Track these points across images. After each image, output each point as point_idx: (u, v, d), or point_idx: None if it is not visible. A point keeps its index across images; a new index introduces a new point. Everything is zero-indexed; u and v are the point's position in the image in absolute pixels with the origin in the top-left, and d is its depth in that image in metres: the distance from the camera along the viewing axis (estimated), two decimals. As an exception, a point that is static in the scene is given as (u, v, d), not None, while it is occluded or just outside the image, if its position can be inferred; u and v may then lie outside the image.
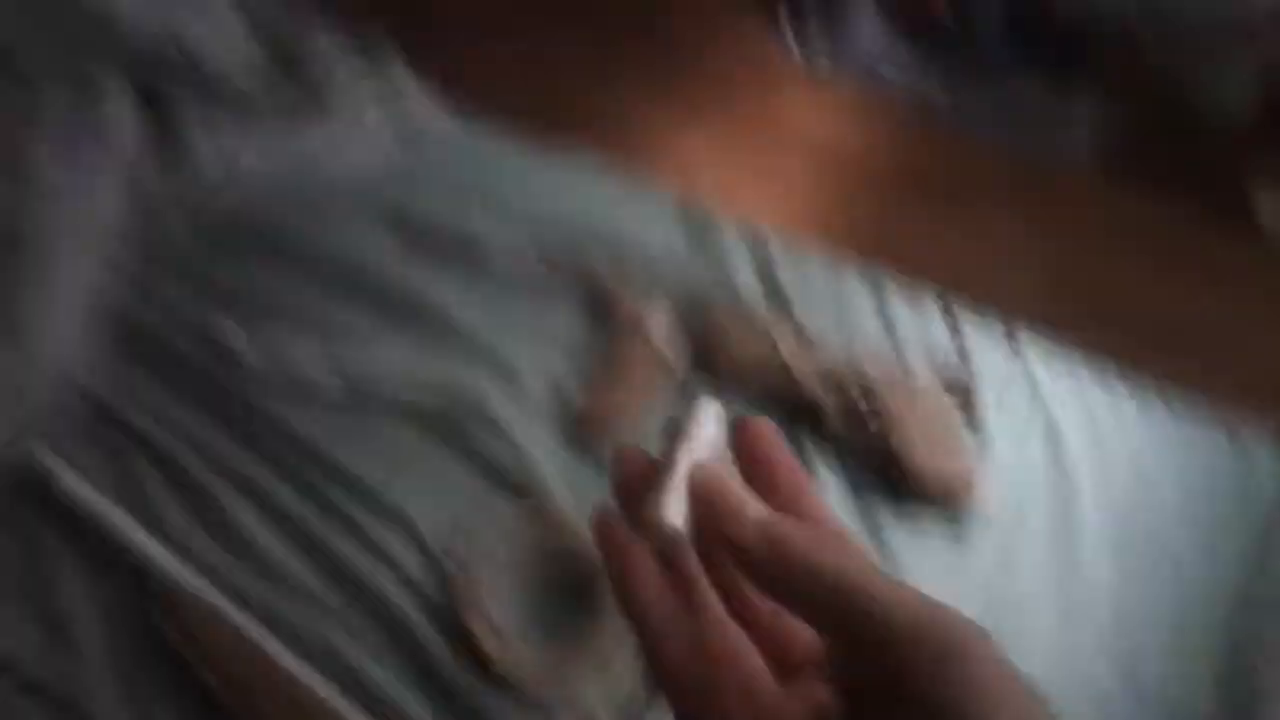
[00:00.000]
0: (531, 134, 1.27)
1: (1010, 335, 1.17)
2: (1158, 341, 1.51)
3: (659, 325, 1.09)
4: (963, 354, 1.14)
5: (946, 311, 1.18)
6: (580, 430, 1.03)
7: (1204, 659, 0.95)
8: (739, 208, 1.33)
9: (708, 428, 0.51)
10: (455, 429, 1.01)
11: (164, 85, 1.15)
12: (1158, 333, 1.61)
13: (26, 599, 0.88)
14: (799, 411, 1.05)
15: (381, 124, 1.19)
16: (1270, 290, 1.77)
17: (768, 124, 2.13)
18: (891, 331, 1.15)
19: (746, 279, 1.17)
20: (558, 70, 2.02)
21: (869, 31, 2.22)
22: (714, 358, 1.07)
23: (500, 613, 0.90)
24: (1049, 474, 1.06)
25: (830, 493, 1.02)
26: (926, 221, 2.02)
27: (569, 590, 0.93)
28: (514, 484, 0.99)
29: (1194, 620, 0.98)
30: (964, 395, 1.07)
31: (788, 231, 1.30)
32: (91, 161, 1.06)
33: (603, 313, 1.11)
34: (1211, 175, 2.17)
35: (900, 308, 1.18)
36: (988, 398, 1.10)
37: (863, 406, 1.02)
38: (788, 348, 1.07)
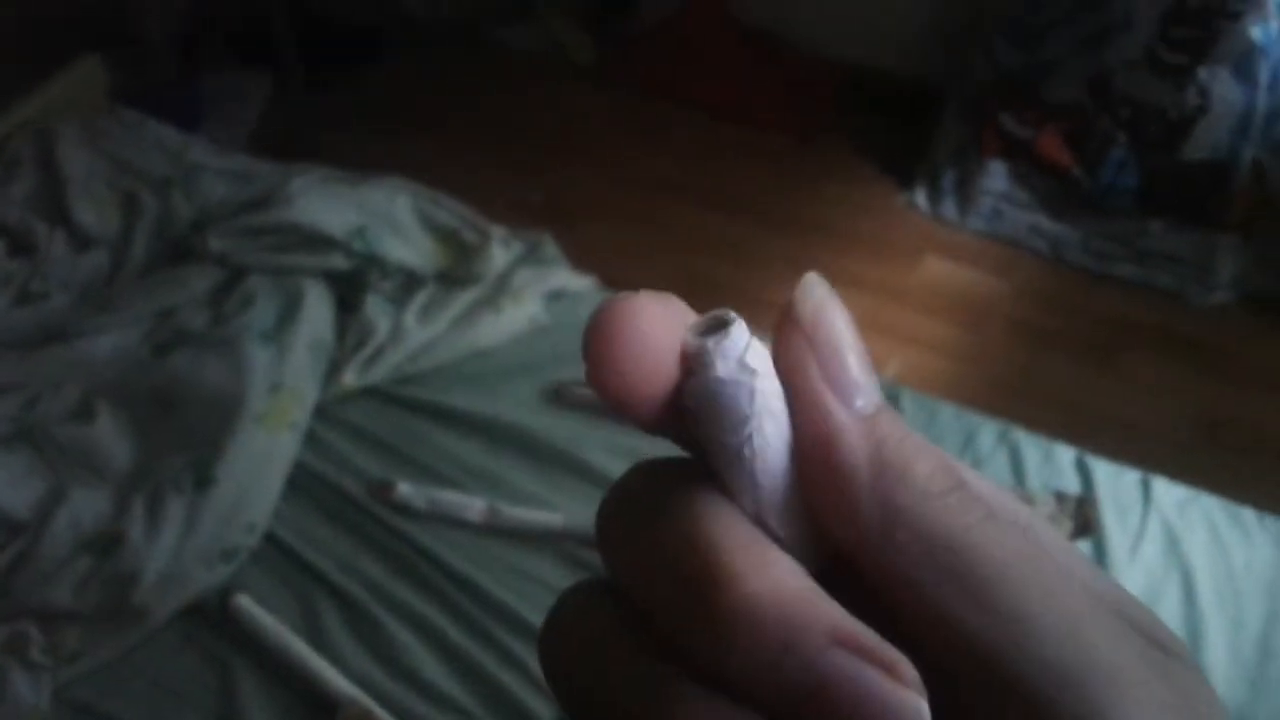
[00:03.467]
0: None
1: (1145, 482, 1.20)
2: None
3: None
4: (1088, 488, 1.18)
5: (1077, 460, 1.22)
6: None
7: None
8: (876, 364, 1.41)
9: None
10: (599, 561, 1.10)
11: (355, 278, 1.33)
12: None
13: (215, 712, 0.99)
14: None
15: (534, 298, 1.33)
16: None
17: (906, 284, 2.22)
18: (1020, 476, 1.20)
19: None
20: (704, 252, 2.17)
21: (1002, 189, 2.31)
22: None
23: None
24: (1180, 604, 1.08)
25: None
26: (1067, 370, 2.06)
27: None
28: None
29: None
30: (1081, 513, 1.10)
31: (923, 383, 1.36)
32: (288, 340, 1.23)
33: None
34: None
35: (1031, 455, 1.23)
36: (1116, 533, 1.13)
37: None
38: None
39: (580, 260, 1.46)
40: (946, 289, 2.25)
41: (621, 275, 1.49)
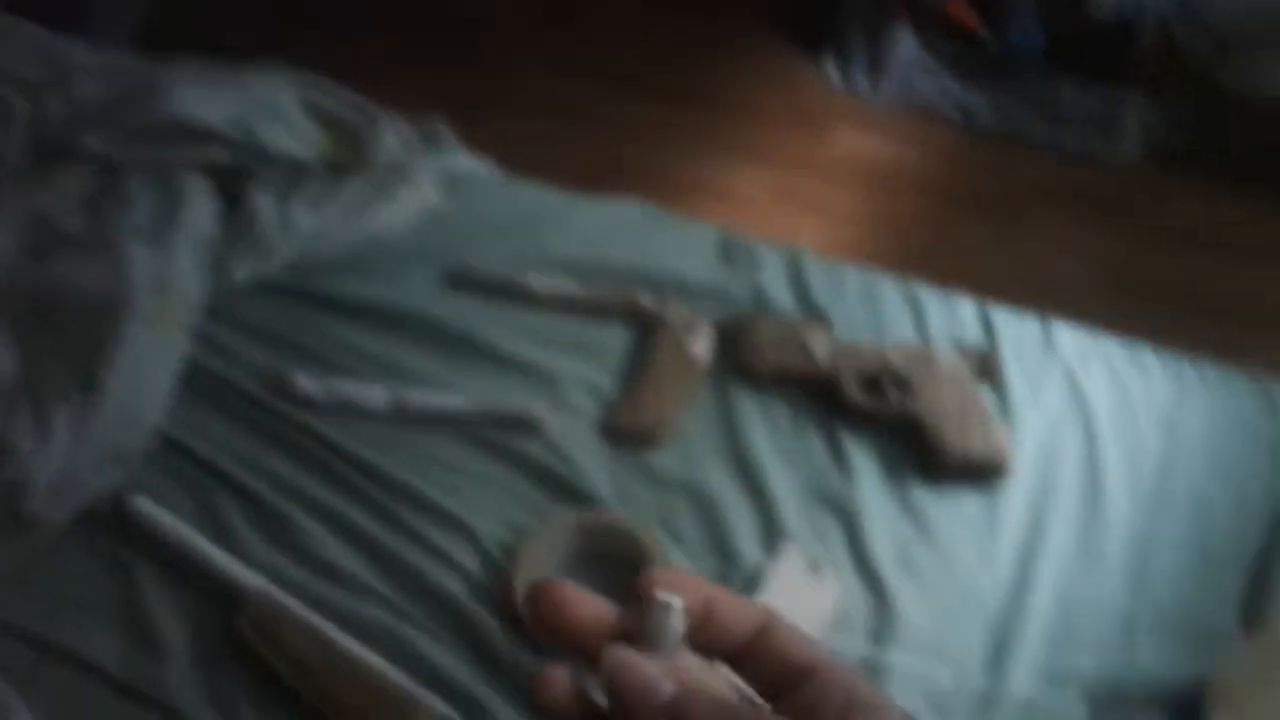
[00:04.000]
0: (581, 189, 1.36)
1: (1046, 329, 1.20)
2: (1202, 317, 1.52)
3: (696, 339, 1.16)
4: (991, 339, 1.18)
5: (979, 311, 1.22)
6: (625, 438, 1.10)
7: (1227, 584, 0.98)
8: (786, 237, 1.40)
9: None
10: (510, 445, 1.09)
11: (238, 171, 1.28)
12: (1203, 311, 1.63)
13: (117, 618, 0.96)
14: (821, 392, 1.12)
15: (430, 184, 1.30)
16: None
17: (816, 156, 2.21)
18: (924, 333, 1.20)
19: (782, 297, 1.23)
20: (609, 132, 2.14)
21: (909, 56, 2.29)
22: (744, 358, 1.14)
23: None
24: (1079, 441, 1.10)
25: (863, 473, 1.07)
26: (976, 232, 2.07)
27: (610, 579, 0.99)
28: (564, 490, 1.06)
29: (1220, 551, 1.02)
30: (982, 362, 1.11)
31: (835, 254, 1.36)
32: (170, 238, 1.19)
33: (644, 333, 1.19)
34: (1261, 161, 2.18)
35: (934, 310, 1.23)
36: (1018, 382, 1.14)
37: (881, 375, 1.08)
38: (813, 340, 1.13)
39: (482, 146, 1.43)
40: (857, 159, 2.24)
41: (526, 160, 1.45)
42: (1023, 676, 0.93)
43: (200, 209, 1.23)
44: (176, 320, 1.13)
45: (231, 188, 1.28)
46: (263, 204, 1.26)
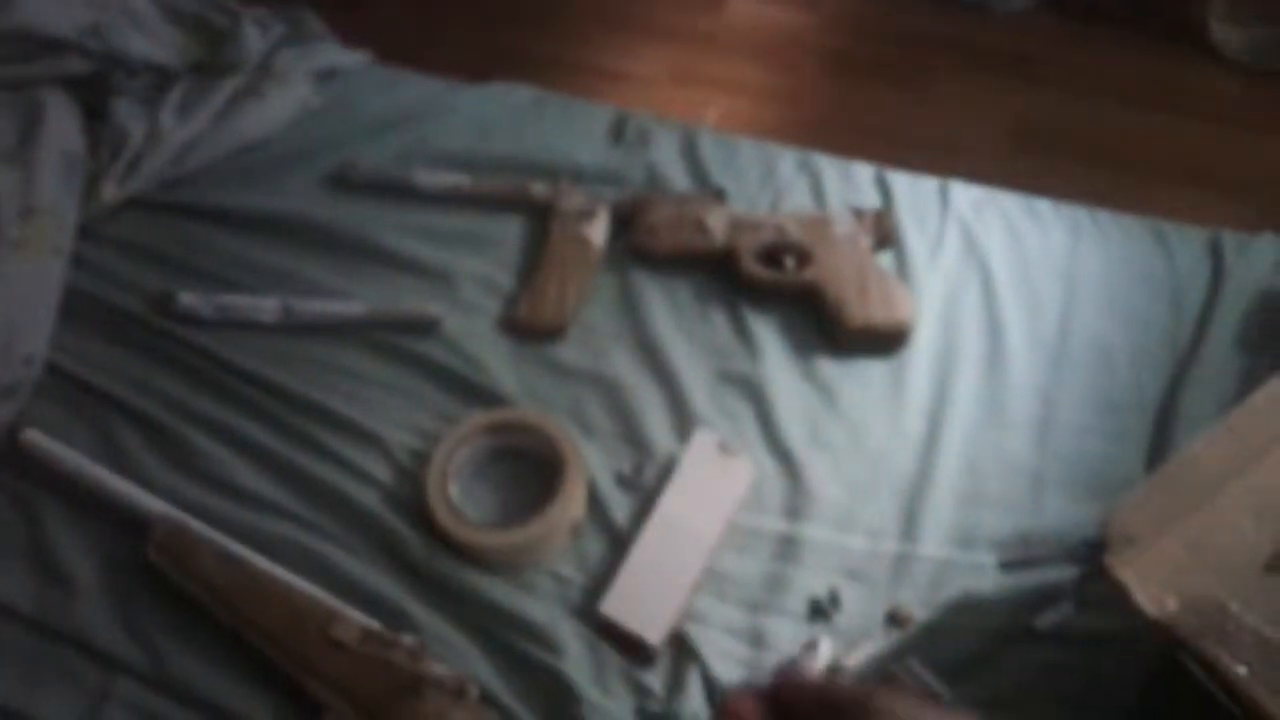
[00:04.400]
0: (466, 79, 1.31)
1: (943, 188, 1.20)
2: (1101, 167, 1.53)
3: (592, 225, 1.13)
4: (888, 202, 1.18)
5: (876, 176, 1.21)
6: (527, 333, 1.08)
7: (1131, 432, 1.00)
8: (688, 115, 1.37)
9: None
10: (410, 348, 1.06)
11: (99, 82, 1.21)
12: (1103, 162, 1.64)
13: (23, 554, 0.94)
14: (720, 268, 1.11)
15: (302, 81, 1.24)
16: (1218, 107, 1.79)
17: (714, 29, 2.16)
18: (821, 201, 1.19)
19: (677, 175, 1.21)
20: (493, 18, 2.06)
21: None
22: (640, 239, 1.12)
23: (461, 500, 0.96)
24: (978, 299, 1.11)
25: (768, 349, 1.07)
26: (877, 97, 2.05)
27: (525, 474, 0.98)
28: (471, 391, 1.04)
29: (1122, 400, 1.03)
30: (879, 225, 1.11)
31: (737, 128, 1.33)
32: (32, 157, 1.12)
33: (539, 223, 1.16)
34: (1160, 6, 2.18)
35: (831, 177, 1.22)
36: (916, 243, 1.14)
37: (779, 247, 1.08)
38: (710, 216, 1.11)
39: (356, 39, 1.36)
40: (754, 29, 2.20)
41: (405, 51, 1.39)
42: (935, 538, 0.95)
43: (62, 125, 1.16)
44: (47, 243, 1.08)
45: (93, 100, 1.21)
46: (128, 115, 1.20)
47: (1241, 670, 0.68)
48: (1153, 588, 0.72)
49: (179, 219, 1.16)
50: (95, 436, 1.01)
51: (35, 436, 0.98)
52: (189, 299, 1.08)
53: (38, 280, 1.06)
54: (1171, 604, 0.71)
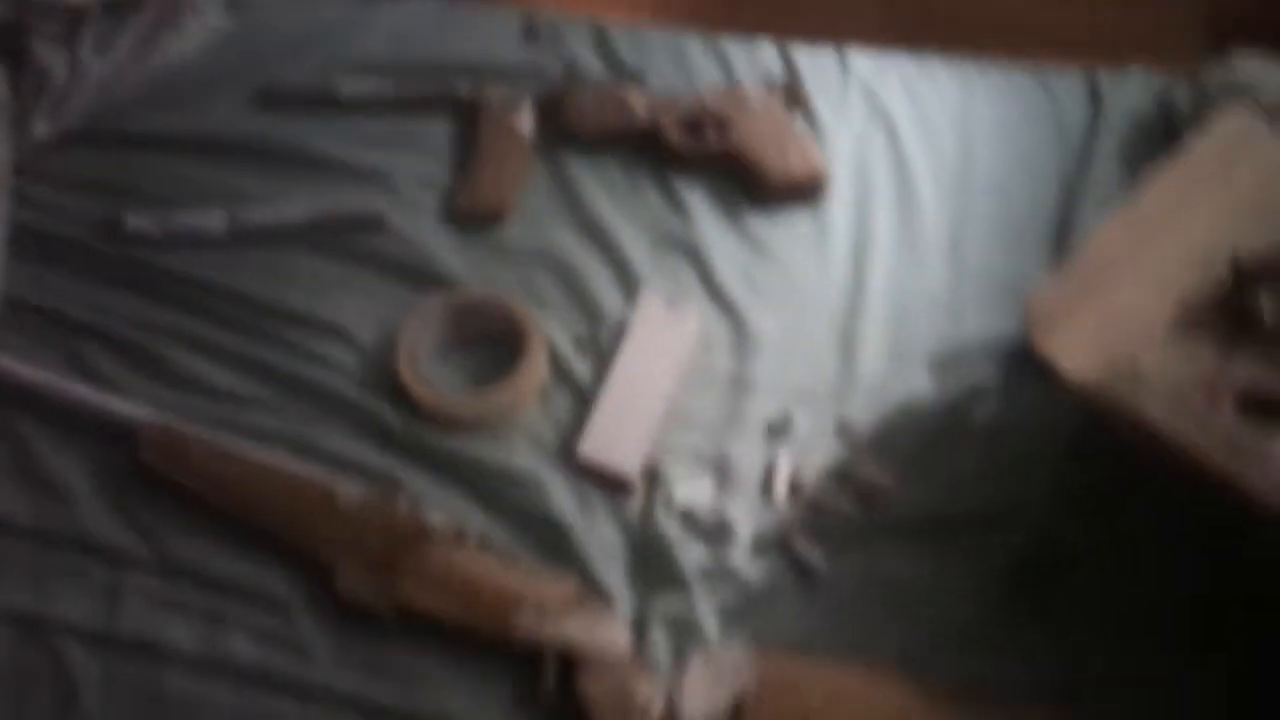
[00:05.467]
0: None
1: (841, 56, 1.27)
2: (980, 29, 1.61)
3: (519, 116, 1.19)
4: (793, 74, 1.25)
5: (780, 52, 1.28)
6: (469, 221, 1.14)
7: (1031, 248, 1.11)
8: (587, 11, 1.41)
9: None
10: (359, 245, 1.11)
11: (16, 27, 1.22)
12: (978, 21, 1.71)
13: (16, 476, 0.97)
14: (646, 144, 1.18)
15: (213, 6, 1.27)
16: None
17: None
18: (732, 80, 1.26)
19: (592, 66, 1.27)
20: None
21: None
22: (568, 125, 1.18)
23: (429, 372, 1.02)
24: (885, 150, 1.20)
25: (699, 213, 1.14)
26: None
27: (490, 349, 1.05)
28: (424, 279, 1.09)
29: (1023, 224, 1.14)
30: (790, 93, 1.19)
31: (637, 22, 1.38)
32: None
33: (467, 121, 1.21)
34: None
35: (738, 57, 1.28)
36: (824, 107, 1.22)
37: (699, 118, 1.16)
38: (631, 97, 1.18)
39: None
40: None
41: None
42: (870, 361, 1.04)
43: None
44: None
45: (12, 45, 1.22)
46: (47, 57, 1.21)
47: (1156, 415, 0.78)
48: (1074, 357, 0.81)
49: (114, 149, 1.18)
50: (64, 360, 1.04)
51: (5, 362, 1.01)
52: (136, 220, 1.11)
53: (-15, 217, 1.08)
54: (1091, 369, 0.80)
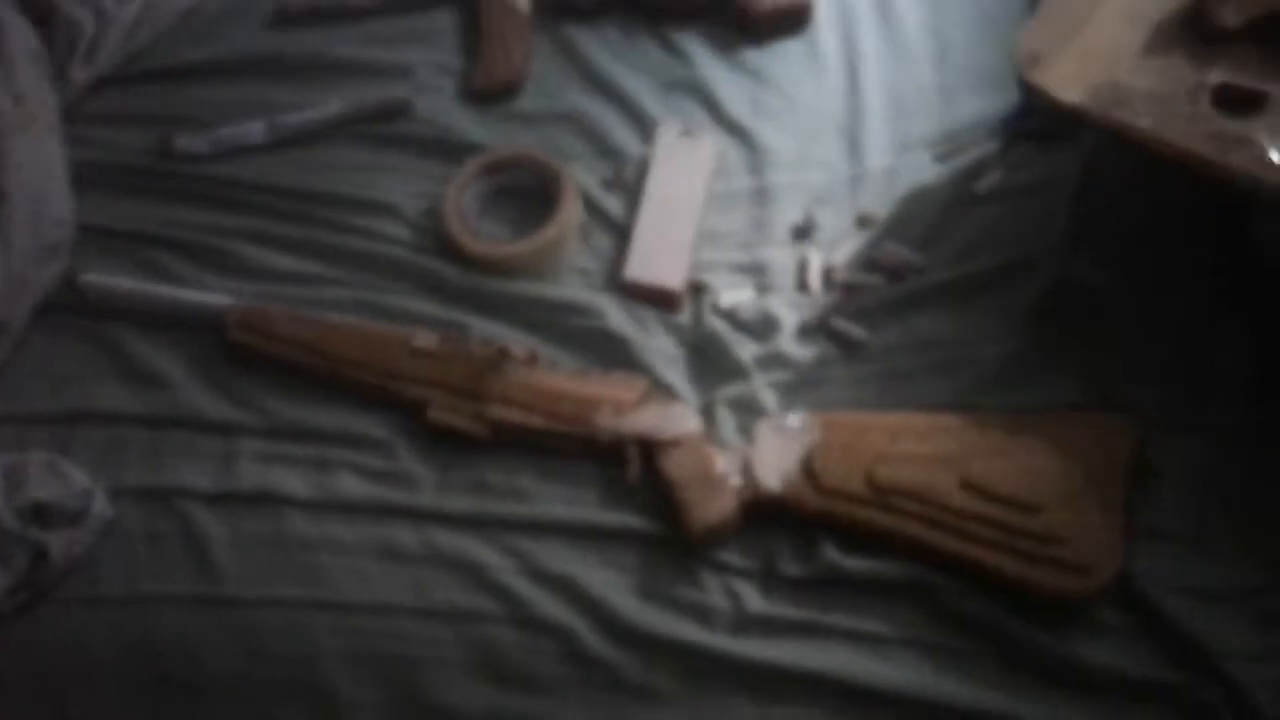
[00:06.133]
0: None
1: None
2: None
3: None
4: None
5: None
6: (488, 96, 1.22)
7: (1008, 30, 1.16)
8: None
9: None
10: (391, 132, 1.20)
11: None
12: None
13: (116, 373, 1.06)
14: (634, 4, 1.26)
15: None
16: None
17: None
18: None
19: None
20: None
21: None
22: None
23: (480, 230, 1.11)
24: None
25: (697, 55, 1.23)
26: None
27: (527, 202, 1.13)
28: (456, 154, 1.17)
29: (998, 16, 1.21)
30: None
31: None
32: (6, 52, 1.21)
33: (467, 8, 1.29)
34: None
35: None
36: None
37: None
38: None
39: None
40: None
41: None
42: (877, 154, 1.13)
43: (18, 26, 1.25)
44: (41, 123, 1.18)
45: (34, 6, 1.29)
46: (74, 11, 1.28)
47: (1144, 123, 0.86)
48: (1064, 86, 0.89)
49: (150, 84, 1.27)
50: (141, 271, 1.12)
51: (92, 278, 1.10)
52: (185, 141, 1.19)
53: (46, 154, 1.16)
54: (1080, 93, 0.88)
